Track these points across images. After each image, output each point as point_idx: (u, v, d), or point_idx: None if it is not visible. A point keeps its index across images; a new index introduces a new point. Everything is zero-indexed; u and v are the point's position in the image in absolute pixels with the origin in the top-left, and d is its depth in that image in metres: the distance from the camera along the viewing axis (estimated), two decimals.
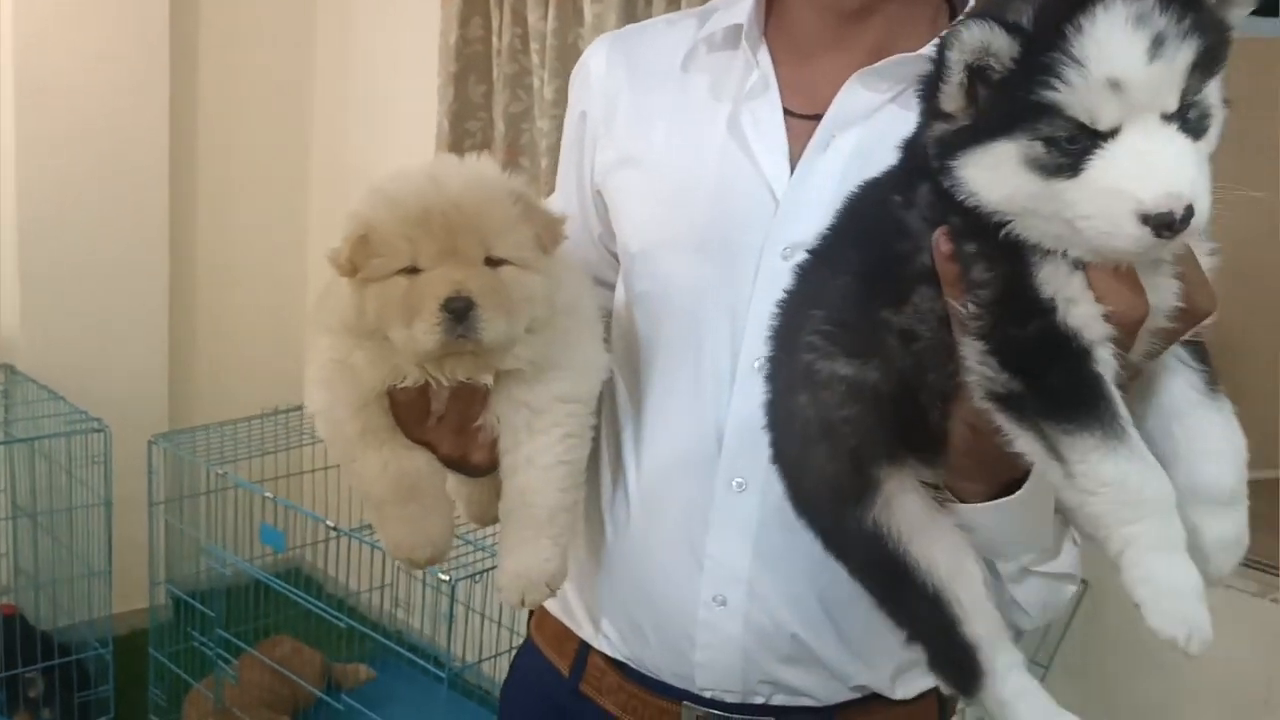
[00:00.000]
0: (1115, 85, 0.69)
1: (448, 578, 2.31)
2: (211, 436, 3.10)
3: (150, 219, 3.67)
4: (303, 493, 3.11)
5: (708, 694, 1.15)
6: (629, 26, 1.31)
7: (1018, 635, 1.21)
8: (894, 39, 1.08)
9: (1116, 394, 0.77)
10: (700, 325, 1.11)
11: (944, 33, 0.76)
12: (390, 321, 0.96)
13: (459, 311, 0.93)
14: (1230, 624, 2.07)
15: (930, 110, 0.79)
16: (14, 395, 3.33)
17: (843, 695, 1.15)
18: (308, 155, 4.05)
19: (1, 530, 3.30)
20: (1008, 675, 0.92)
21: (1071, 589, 1.09)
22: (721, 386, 1.10)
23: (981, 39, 0.73)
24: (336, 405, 1.03)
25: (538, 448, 1.03)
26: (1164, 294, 0.77)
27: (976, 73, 0.74)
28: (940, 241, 0.80)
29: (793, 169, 1.08)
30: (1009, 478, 0.89)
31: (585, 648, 1.24)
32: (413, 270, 0.96)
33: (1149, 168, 0.69)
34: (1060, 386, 0.77)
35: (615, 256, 1.24)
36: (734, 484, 1.10)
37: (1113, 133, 0.70)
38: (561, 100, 2.72)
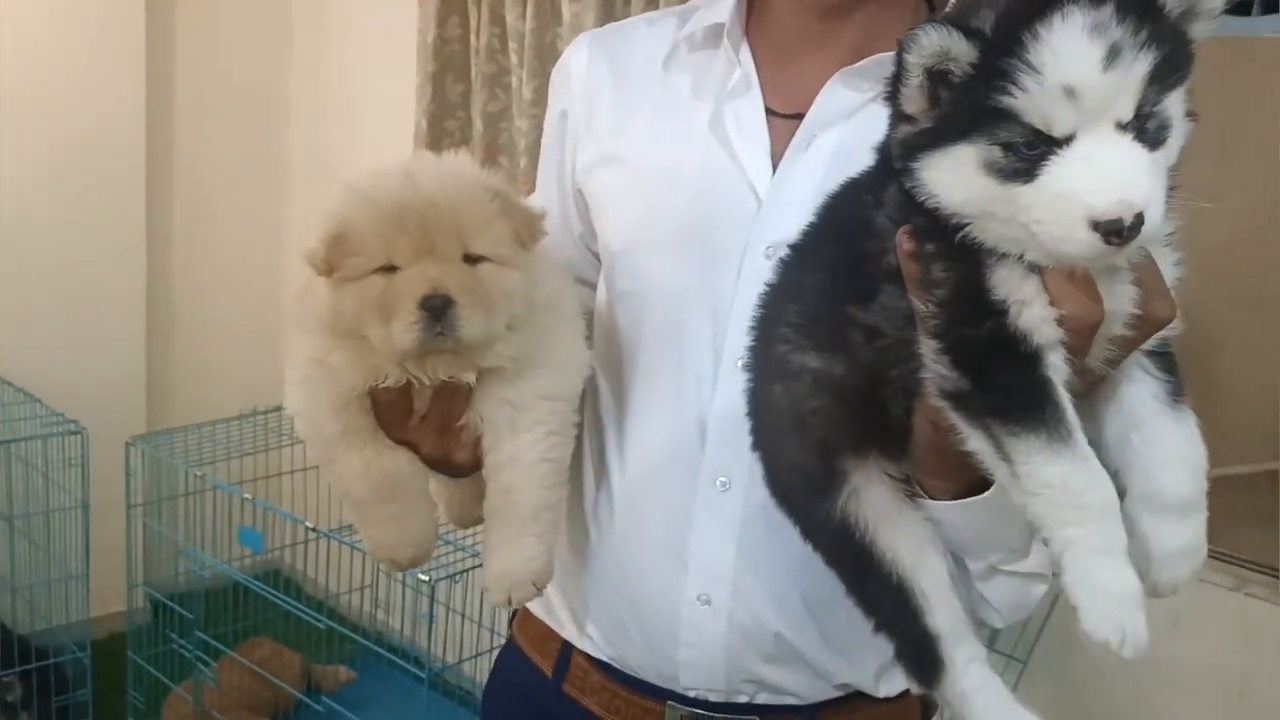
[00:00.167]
0: (1070, 93, 0.70)
1: (428, 578, 2.30)
2: (189, 438, 3.08)
3: (126, 220, 3.65)
4: (282, 494, 3.09)
5: (692, 693, 1.15)
6: (609, 25, 1.31)
7: (992, 634, 1.22)
8: (874, 38, 1.08)
9: (1066, 398, 0.78)
10: (683, 324, 1.11)
11: (904, 36, 0.76)
12: (368, 321, 0.95)
13: (437, 309, 0.93)
14: (1205, 618, 2.10)
15: (895, 112, 0.80)
16: None
17: (826, 694, 1.15)
18: (285, 155, 4.03)
19: None
20: (968, 668, 0.92)
21: (1042, 588, 1.09)
22: (704, 385, 1.10)
23: (939, 43, 0.73)
24: (316, 406, 1.02)
25: (521, 445, 1.02)
26: (1121, 300, 0.78)
27: (937, 76, 0.75)
28: (903, 240, 0.81)
29: (775, 168, 1.09)
30: (976, 477, 0.89)
31: (568, 648, 1.24)
32: (390, 269, 0.95)
33: (1100, 175, 0.70)
34: (1008, 388, 0.78)
35: (596, 256, 1.24)
36: (717, 483, 1.10)
37: (1068, 139, 0.71)
38: (540, 99, 2.73)
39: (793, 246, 0.96)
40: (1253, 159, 1.96)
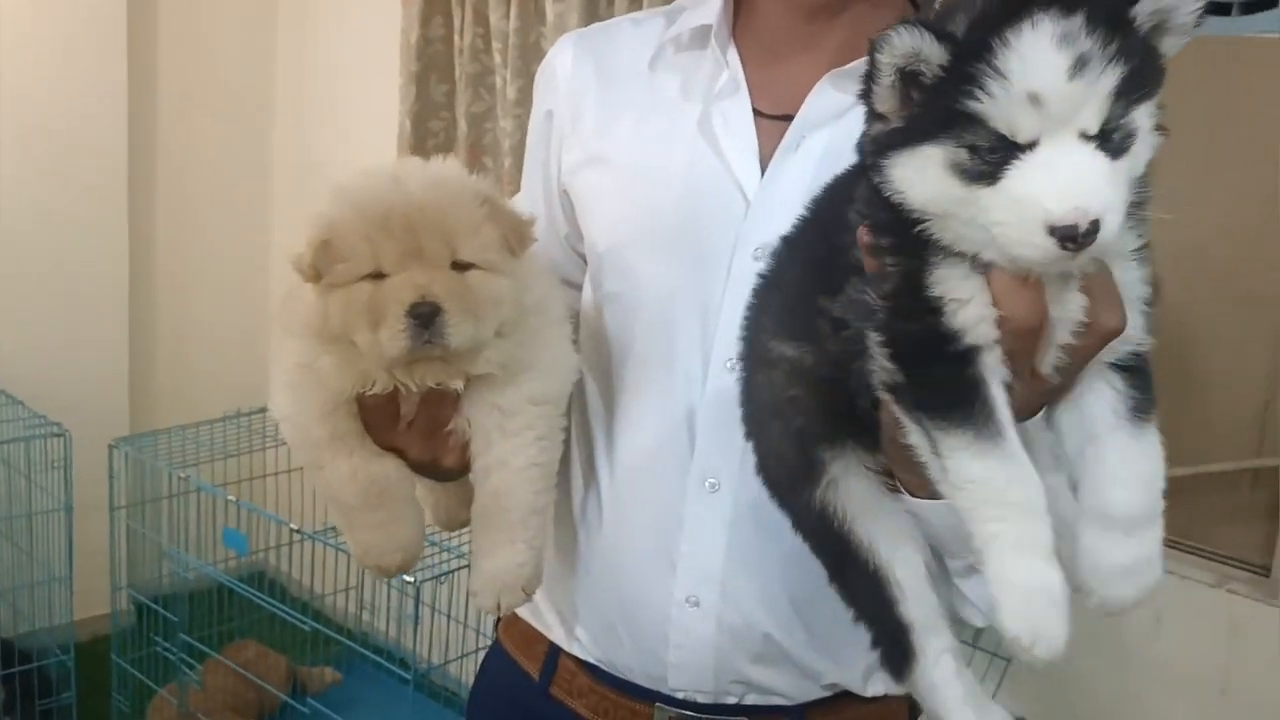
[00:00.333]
0: (1035, 99, 0.71)
1: (413, 579, 2.30)
2: (173, 440, 3.07)
3: (108, 221, 3.63)
4: (266, 496, 3.09)
5: (680, 695, 1.15)
6: (594, 25, 1.31)
7: (976, 632, 1.22)
8: (861, 39, 1.08)
9: (999, 398, 0.79)
10: (671, 325, 1.11)
11: (876, 36, 0.77)
12: (355, 328, 0.94)
13: (425, 317, 0.92)
14: (1187, 614, 2.11)
15: (868, 110, 0.81)
16: None
17: (814, 694, 1.16)
18: (269, 155, 4.01)
19: None
20: (939, 659, 0.94)
21: None
22: (693, 386, 1.10)
23: (910, 44, 0.74)
24: (303, 411, 1.01)
25: (510, 450, 1.02)
26: (1069, 308, 0.78)
27: (908, 77, 0.76)
28: (862, 233, 0.82)
29: (763, 169, 1.09)
30: None
31: (555, 650, 1.24)
32: (377, 275, 0.94)
33: (1059, 181, 0.71)
34: (939, 384, 0.80)
35: (582, 257, 1.24)
36: (706, 484, 1.10)
37: (1031, 145, 0.72)
38: (524, 100, 2.72)
39: (784, 238, 0.98)
40: (1235, 158, 1.98)
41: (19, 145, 3.43)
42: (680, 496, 1.11)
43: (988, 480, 0.79)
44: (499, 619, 1.34)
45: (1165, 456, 0.83)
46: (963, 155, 0.74)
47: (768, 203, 1.07)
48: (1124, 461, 0.81)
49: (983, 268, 0.77)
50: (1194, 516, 2.06)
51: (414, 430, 1.02)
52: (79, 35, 3.49)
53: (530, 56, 2.75)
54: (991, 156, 0.73)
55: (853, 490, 0.94)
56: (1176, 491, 2.21)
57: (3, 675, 2.91)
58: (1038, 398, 0.82)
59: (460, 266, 0.96)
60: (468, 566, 1.75)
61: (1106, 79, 0.70)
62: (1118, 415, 0.81)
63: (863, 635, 0.99)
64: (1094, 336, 0.79)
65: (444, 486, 1.16)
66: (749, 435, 1.01)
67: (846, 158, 0.91)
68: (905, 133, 0.77)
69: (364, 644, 2.78)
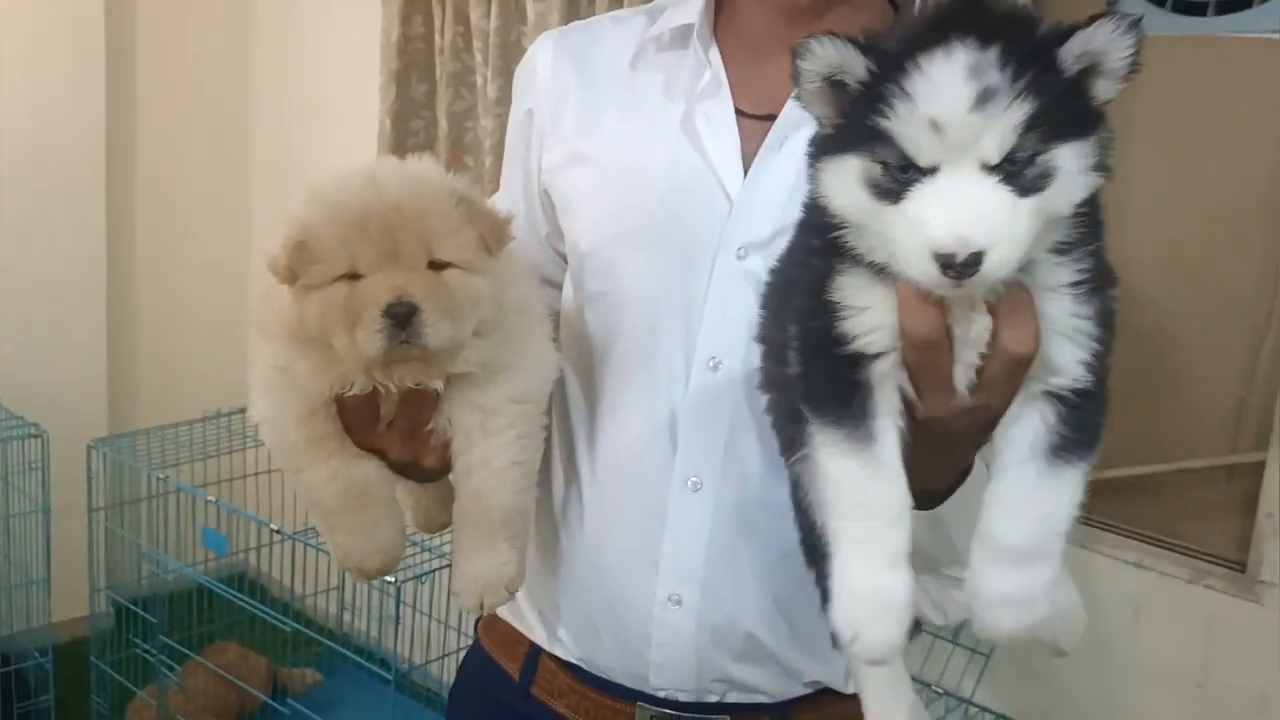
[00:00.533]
0: (935, 126, 0.72)
1: (394, 579, 2.30)
2: (152, 440, 3.05)
3: (86, 220, 3.61)
4: (246, 496, 3.07)
5: (662, 693, 1.16)
6: (574, 24, 1.30)
7: (956, 628, 1.23)
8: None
9: (882, 404, 0.81)
10: (654, 325, 1.12)
11: (797, 44, 0.79)
12: (332, 329, 0.93)
13: (401, 317, 0.91)
14: (1165, 610, 2.13)
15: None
16: None
17: (796, 691, 1.16)
18: (248, 153, 4.00)
19: None
20: None
21: None
22: (676, 386, 1.11)
23: (832, 55, 0.76)
24: (281, 413, 1.01)
25: (492, 450, 1.01)
26: (974, 328, 0.79)
27: (837, 85, 0.78)
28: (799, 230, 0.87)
29: (746, 169, 1.09)
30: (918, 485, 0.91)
31: (536, 650, 1.24)
32: (353, 276, 0.93)
33: (947, 209, 0.72)
34: (825, 382, 0.83)
35: (562, 256, 1.24)
36: (689, 483, 1.11)
37: (933, 170, 0.73)
38: (505, 98, 2.72)
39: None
40: (1212, 157, 1.99)
41: None
42: (663, 496, 1.11)
43: (847, 480, 0.82)
44: (479, 619, 1.34)
45: (1082, 500, 0.84)
46: (876, 170, 0.75)
47: (751, 202, 1.07)
48: (1023, 495, 0.81)
49: (893, 278, 0.78)
50: (1171, 512, 2.08)
51: (394, 431, 1.02)
52: (55, 34, 3.47)
53: (511, 55, 2.75)
54: (900, 175, 0.74)
55: None
56: (1154, 488, 2.23)
57: None
58: (963, 414, 0.83)
59: (437, 266, 0.95)
60: (449, 566, 1.74)
61: (1013, 114, 0.70)
62: (1034, 450, 0.81)
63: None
64: (1000, 360, 0.79)
65: (423, 488, 1.16)
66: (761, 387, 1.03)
67: None
68: (833, 140, 0.79)
69: (345, 645, 2.77)
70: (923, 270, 0.73)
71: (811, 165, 0.81)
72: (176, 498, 2.98)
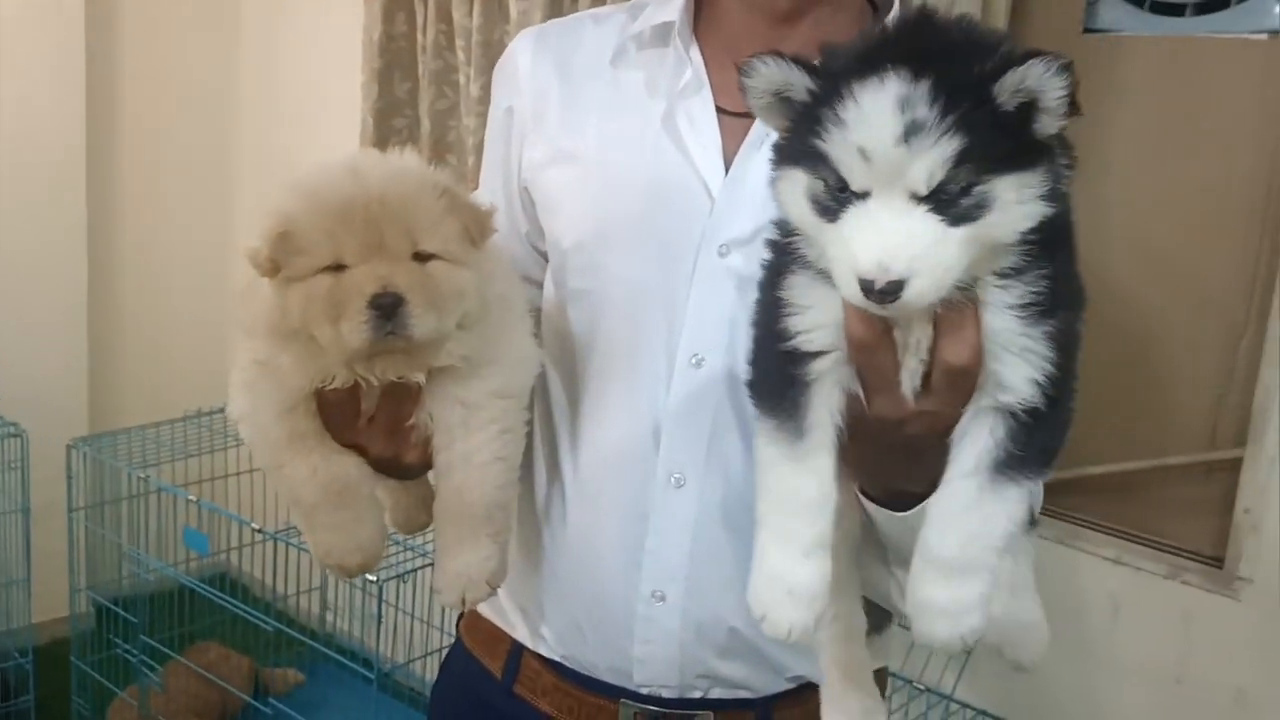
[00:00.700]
0: (864, 154, 0.74)
1: (376, 578, 2.29)
2: (133, 440, 3.04)
3: (66, 217, 3.59)
4: (228, 496, 3.06)
5: (645, 690, 1.16)
6: (553, 22, 1.30)
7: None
8: (825, 40, 1.09)
9: (818, 401, 0.85)
10: (637, 322, 1.12)
11: (743, 61, 0.81)
12: (316, 321, 0.93)
13: (387, 308, 0.91)
14: (1143, 606, 2.14)
15: None
16: None
17: (779, 686, 1.17)
18: (232, 151, 3.98)
19: None
20: (830, 621, 1.00)
21: None
22: (658, 382, 1.11)
23: (773, 74, 0.79)
24: (261, 409, 1.00)
25: (474, 445, 1.01)
26: (914, 335, 0.81)
27: (786, 100, 0.80)
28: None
29: (727, 167, 1.10)
30: (889, 487, 0.93)
31: (519, 648, 1.24)
32: (337, 268, 0.93)
33: (871, 235, 0.74)
34: (767, 373, 0.87)
35: (542, 254, 1.23)
36: (672, 479, 1.11)
37: (865, 195, 0.75)
38: (488, 97, 2.70)
39: None
40: (1190, 157, 2.01)
41: None
42: (646, 493, 1.12)
43: (772, 469, 0.87)
44: (461, 617, 1.34)
45: (1039, 506, 0.88)
46: (819, 186, 0.77)
47: (732, 200, 1.08)
48: (959, 509, 0.83)
49: None
50: (1150, 509, 2.09)
51: (375, 426, 1.01)
52: (35, 28, 3.44)
53: (494, 53, 2.75)
54: (838, 194, 0.76)
55: None
56: (1133, 485, 2.24)
57: None
58: (914, 418, 0.84)
59: (421, 258, 0.95)
60: (431, 565, 1.74)
61: (941, 148, 0.72)
62: (978, 464, 0.82)
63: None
64: (940, 368, 0.81)
65: (402, 488, 1.15)
66: None
67: None
68: (785, 151, 0.81)
69: (327, 644, 2.76)
70: (850, 290, 0.75)
71: (772, 171, 0.83)
72: (157, 497, 2.96)
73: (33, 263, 3.53)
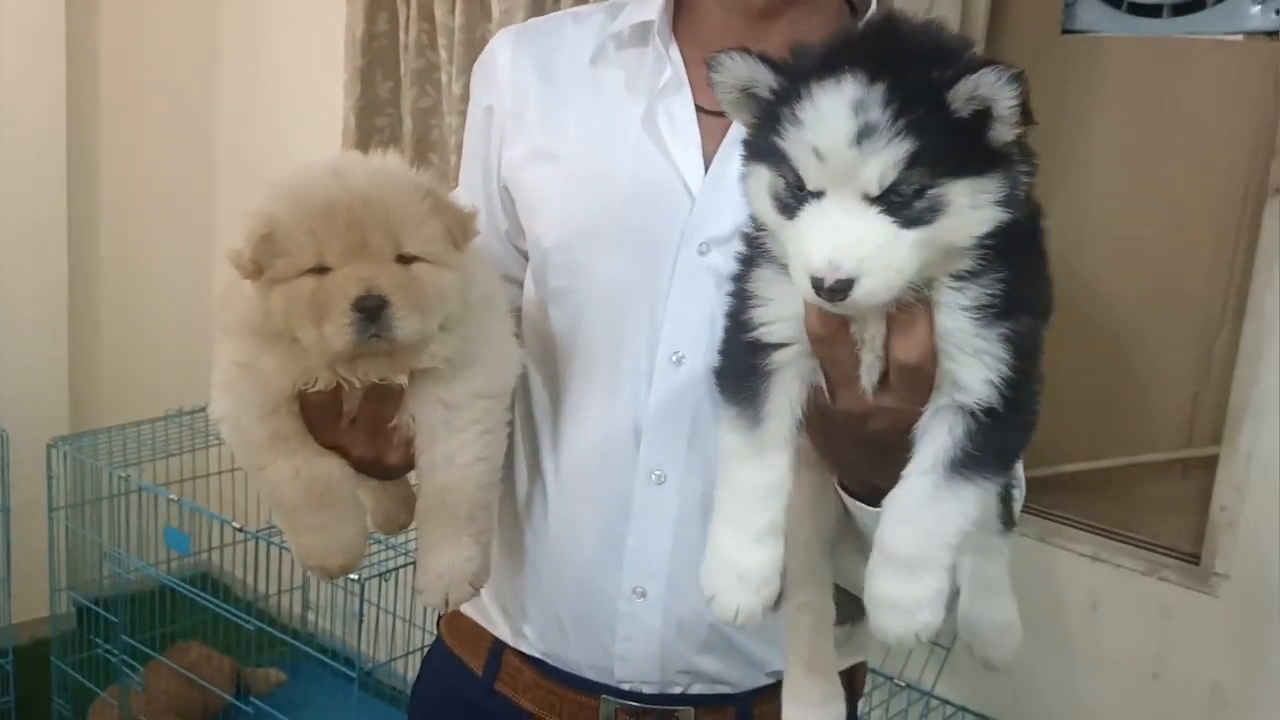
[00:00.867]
0: (819, 154, 0.75)
1: (357, 577, 2.29)
2: (114, 439, 3.02)
3: (46, 215, 3.57)
4: (209, 495, 3.05)
5: (626, 686, 1.16)
6: (532, 21, 1.31)
7: None
8: (801, 40, 1.10)
9: (778, 390, 0.86)
10: (618, 321, 1.12)
11: (711, 56, 0.83)
12: (299, 323, 0.93)
13: (371, 310, 0.91)
14: (1121, 601, 2.15)
15: None
16: None
17: (758, 681, 1.18)
18: (213, 149, 3.97)
19: None
20: (798, 611, 1.02)
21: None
22: (639, 380, 1.11)
23: (739, 70, 0.81)
24: (243, 411, 0.99)
25: (456, 445, 1.01)
26: (868, 331, 0.83)
27: (753, 96, 0.81)
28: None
29: (707, 166, 1.10)
30: (861, 480, 0.94)
31: (500, 646, 1.24)
32: (320, 269, 0.93)
33: (824, 234, 0.76)
34: (731, 362, 0.89)
35: (522, 253, 1.24)
36: (653, 476, 1.12)
37: (820, 194, 0.76)
38: (469, 96, 2.71)
39: None
40: (1167, 157, 2.02)
41: None
42: (627, 490, 1.12)
43: (729, 455, 0.89)
44: (441, 616, 1.34)
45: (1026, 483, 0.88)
46: (780, 184, 0.79)
47: (712, 198, 1.09)
48: (913, 506, 0.83)
49: None
50: (1128, 506, 2.11)
51: (357, 428, 1.01)
52: (15, 29, 3.42)
53: (476, 52, 2.71)
54: (796, 192, 0.78)
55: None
56: (1111, 482, 2.25)
57: None
58: (876, 414, 0.85)
59: (404, 260, 0.95)
60: (413, 564, 1.73)
61: (893, 150, 0.73)
62: (935, 462, 0.83)
63: None
64: (893, 366, 0.82)
65: (382, 488, 1.15)
66: None
67: None
68: (752, 146, 0.83)
69: (309, 643, 2.76)
70: (803, 287, 0.77)
71: (742, 166, 0.85)
72: (138, 497, 2.95)
73: (12, 261, 3.51)
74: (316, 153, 1.02)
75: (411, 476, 1.08)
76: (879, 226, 0.75)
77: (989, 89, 0.73)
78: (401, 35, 3.03)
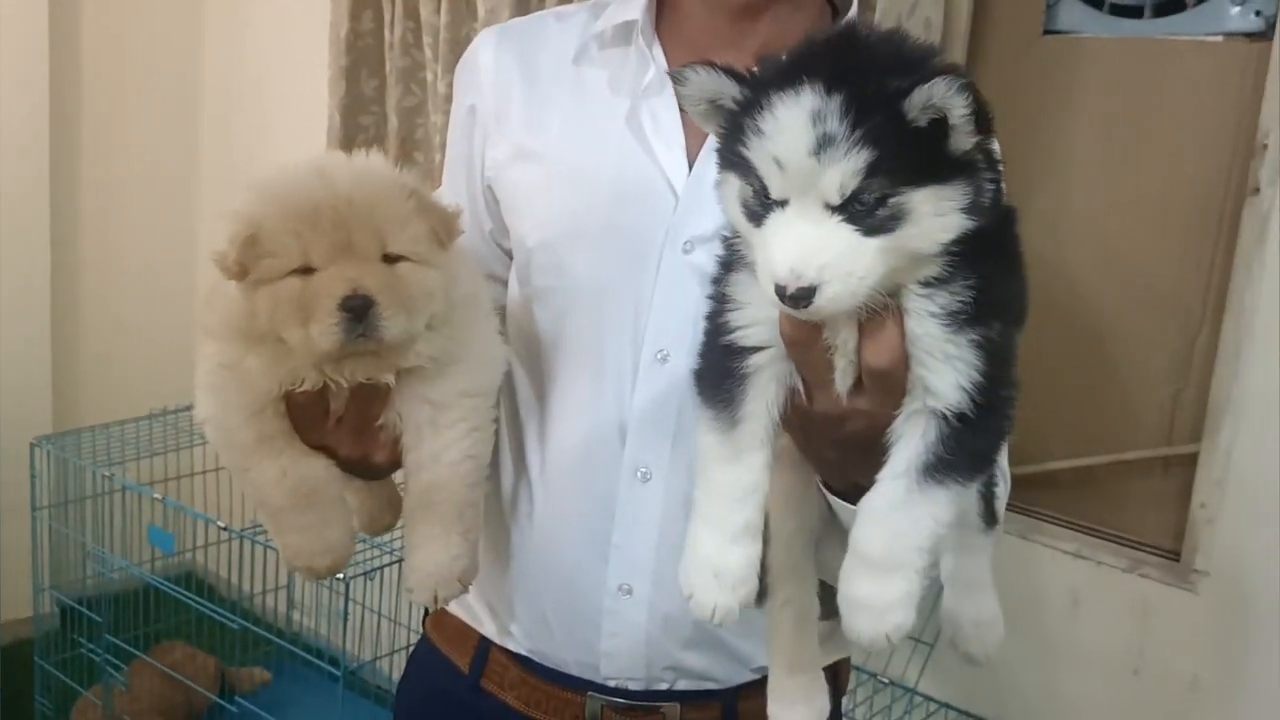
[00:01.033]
0: (780, 164, 0.76)
1: (342, 576, 2.29)
2: (98, 438, 3.01)
3: (29, 213, 3.55)
4: (194, 494, 3.04)
5: (612, 683, 1.17)
6: (514, 20, 1.31)
7: None
8: (783, 39, 1.10)
9: (754, 393, 0.88)
10: (602, 319, 1.13)
11: (675, 69, 0.84)
12: (285, 324, 0.93)
13: (358, 310, 0.91)
14: (1102, 598, 2.17)
15: None
16: None
17: (744, 677, 1.18)
18: (196, 148, 3.95)
19: None
20: (781, 607, 1.03)
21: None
22: (624, 378, 1.12)
23: (704, 82, 0.82)
24: (228, 413, 0.99)
25: (443, 444, 1.01)
26: (840, 336, 0.84)
27: (720, 107, 0.83)
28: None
29: (690, 165, 1.11)
30: (844, 479, 0.95)
31: (486, 643, 1.25)
32: (305, 270, 0.93)
33: (786, 241, 0.77)
34: (709, 364, 0.90)
35: (506, 252, 1.24)
36: (638, 474, 1.12)
37: (783, 202, 0.78)
38: None
39: None
40: (1148, 157, 2.03)
41: None
42: (612, 487, 1.13)
43: (706, 456, 0.90)
44: (427, 614, 1.34)
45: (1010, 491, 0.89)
46: (748, 193, 0.80)
47: (696, 197, 1.09)
48: (885, 508, 0.84)
49: None
50: (1109, 503, 2.12)
51: (344, 428, 1.01)
52: None
53: (461, 51, 2.70)
54: (764, 200, 0.79)
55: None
56: (1092, 480, 2.26)
57: None
58: (853, 416, 0.86)
59: (390, 259, 0.95)
60: (398, 563, 1.73)
61: (852, 160, 0.74)
62: (908, 466, 0.84)
63: None
64: (864, 371, 0.84)
65: (367, 488, 1.16)
66: None
67: None
68: (724, 155, 0.84)
69: (294, 643, 2.75)
70: (769, 293, 0.78)
71: (716, 174, 0.86)
72: (122, 496, 2.94)
73: None
74: (301, 151, 1.01)
75: (397, 477, 1.09)
76: (841, 234, 0.76)
77: (941, 99, 0.74)
78: (386, 34, 3.03)
